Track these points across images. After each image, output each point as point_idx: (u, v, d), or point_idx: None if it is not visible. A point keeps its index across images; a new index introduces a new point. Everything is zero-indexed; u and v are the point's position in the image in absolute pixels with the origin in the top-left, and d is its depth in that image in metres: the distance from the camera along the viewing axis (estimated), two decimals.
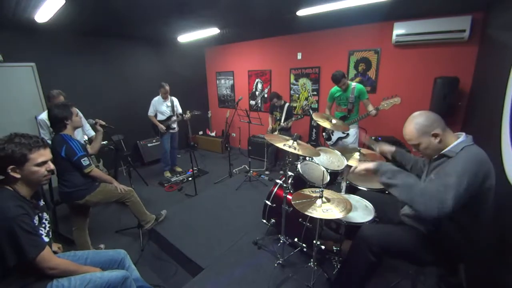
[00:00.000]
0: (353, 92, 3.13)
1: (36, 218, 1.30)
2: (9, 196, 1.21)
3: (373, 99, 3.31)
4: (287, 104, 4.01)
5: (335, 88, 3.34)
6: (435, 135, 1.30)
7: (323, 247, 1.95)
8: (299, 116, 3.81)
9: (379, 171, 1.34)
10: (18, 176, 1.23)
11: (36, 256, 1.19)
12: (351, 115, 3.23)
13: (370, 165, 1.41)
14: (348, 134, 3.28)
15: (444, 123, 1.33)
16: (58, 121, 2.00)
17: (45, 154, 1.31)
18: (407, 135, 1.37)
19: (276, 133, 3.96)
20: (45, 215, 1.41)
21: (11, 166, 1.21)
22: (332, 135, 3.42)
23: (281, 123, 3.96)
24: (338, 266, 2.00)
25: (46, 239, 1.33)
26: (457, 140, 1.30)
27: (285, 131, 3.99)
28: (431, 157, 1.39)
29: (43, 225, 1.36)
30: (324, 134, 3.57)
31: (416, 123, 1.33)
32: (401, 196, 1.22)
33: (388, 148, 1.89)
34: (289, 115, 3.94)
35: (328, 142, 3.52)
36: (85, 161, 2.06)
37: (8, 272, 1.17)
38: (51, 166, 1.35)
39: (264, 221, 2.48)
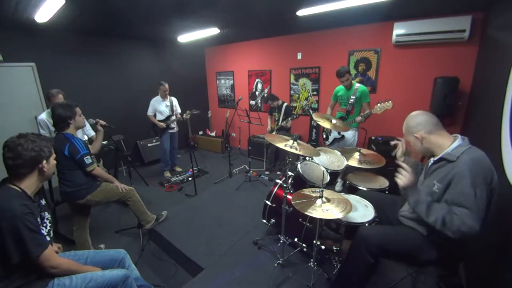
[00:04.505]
0: (355, 93, 3.08)
1: (38, 217, 1.30)
2: (14, 195, 1.22)
3: (373, 99, 3.30)
4: (285, 104, 4.02)
5: (339, 87, 3.30)
6: (418, 137, 1.40)
7: (323, 247, 1.95)
8: (294, 116, 3.81)
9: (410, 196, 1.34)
10: (46, 170, 1.34)
11: (40, 254, 1.21)
12: (350, 117, 3.17)
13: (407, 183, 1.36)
14: (343, 136, 3.26)
15: (434, 125, 1.36)
16: (61, 120, 2.00)
17: None
18: (403, 131, 1.51)
19: (274, 133, 3.96)
20: (47, 214, 1.42)
21: (45, 161, 1.32)
22: (330, 135, 3.41)
23: (279, 123, 3.97)
24: (338, 266, 2.00)
25: (47, 238, 1.34)
26: (454, 143, 1.31)
27: (285, 131, 3.99)
28: (423, 154, 1.48)
29: (44, 225, 1.37)
30: (323, 133, 3.56)
31: (405, 124, 1.48)
32: (428, 220, 1.24)
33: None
34: (287, 115, 3.95)
35: (326, 142, 3.51)
36: (87, 159, 2.07)
37: (11, 270, 1.18)
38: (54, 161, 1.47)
39: (264, 221, 2.48)
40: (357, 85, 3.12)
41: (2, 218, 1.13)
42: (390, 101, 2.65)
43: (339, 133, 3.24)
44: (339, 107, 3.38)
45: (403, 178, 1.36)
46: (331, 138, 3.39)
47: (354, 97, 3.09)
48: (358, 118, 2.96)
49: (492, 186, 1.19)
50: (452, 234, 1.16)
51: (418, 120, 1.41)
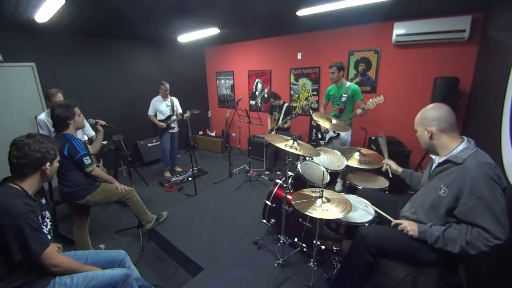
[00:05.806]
0: (346, 91, 3.09)
1: (40, 216, 1.31)
2: (16, 194, 1.23)
3: None
4: (285, 104, 4.02)
5: (330, 86, 3.33)
6: (428, 131, 1.36)
7: (323, 247, 1.95)
8: (293, 115, 3.80)
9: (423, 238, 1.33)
10: (48, 172, 1.36)
11: (42, 252, 1.21)
12: (342, 115, 3.18)
13: (414, 233, 1.36)
14: (338, 134, 3.26)
15: (451, 125, 1.32)
16: (61, 121, 2.01)
17: None
18: (415, 119, 1.47)
19: (273, 133, 3.96)
20: (47, 214, 1.43)
21: (48, 163, 1.34)
22: (326, 135, 3.41)
23: (279, 122, 3.97)
24: (338, 266, 2.00)
25: (48, 237, 1.35)
26: (460, 146, 1.30)
27: (283, 131, 3.98)
28: (425, 148, 1.46)
29: (45, 224, 1.38)
30: (318, 134, 3.55)
31: (422, 112, 1.42)
32: (455, 250, 1.22)
33: (395, 168, 1.87)
34: (287, 115, 3.94)
35: (322, 142, 3.51)
36: (87, 160, 2.07)
37: (13, 269, 1.18)
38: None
39: (264, 221, 2.48)
40: (348, 83, 3.14)
41: (5, 216, 1.13)
42: (381, 96, 2.70)
43: (334, 131, 3.25)
44: (331, 106, 3.38)
45: (408, 227, 1.37)
46: (327, 137, 3.40)
47: (346, 95, 3.11)
48: (359, 111, 2.94)
49: (500, 182, 1.19)
50: (484, 251, 1.17)
51: (437, 115, 1.33)
